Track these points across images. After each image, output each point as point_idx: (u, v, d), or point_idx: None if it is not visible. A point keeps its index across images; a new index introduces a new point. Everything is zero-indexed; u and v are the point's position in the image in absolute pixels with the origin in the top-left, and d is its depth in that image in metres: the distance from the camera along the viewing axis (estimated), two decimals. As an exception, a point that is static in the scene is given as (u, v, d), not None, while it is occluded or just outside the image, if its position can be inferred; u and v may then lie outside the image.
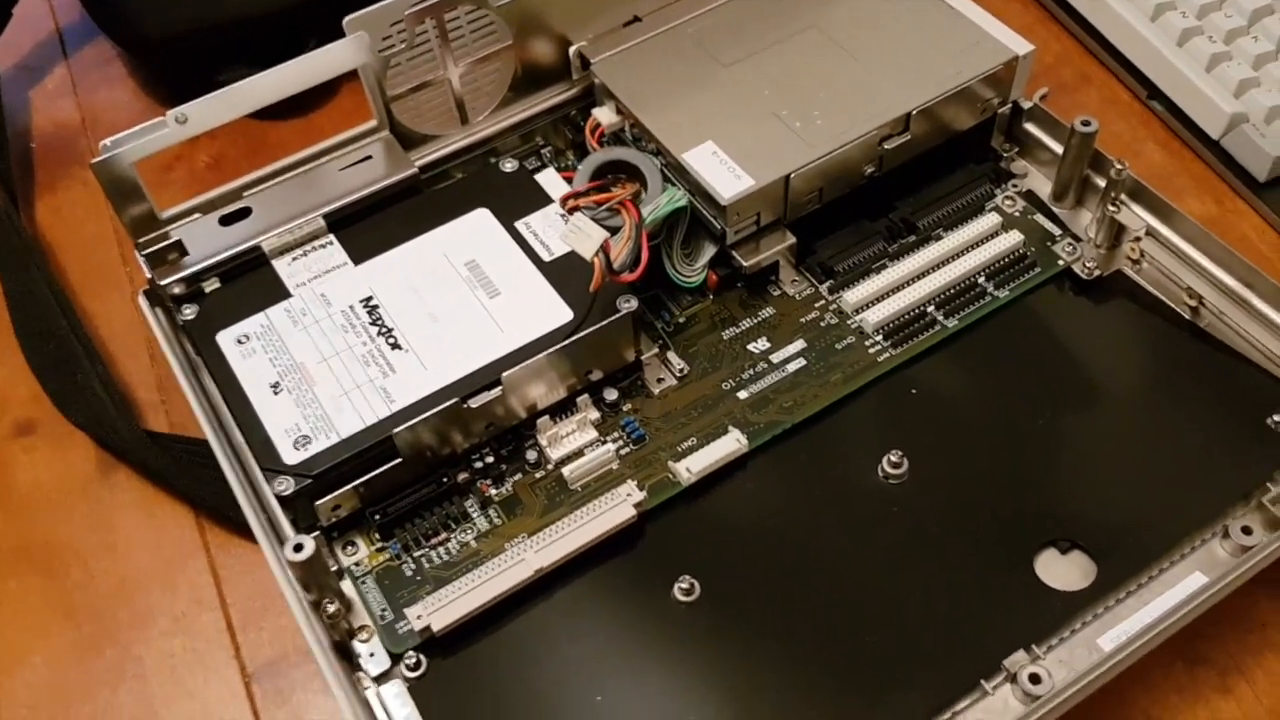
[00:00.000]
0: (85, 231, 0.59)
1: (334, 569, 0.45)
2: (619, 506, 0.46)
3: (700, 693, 0.42)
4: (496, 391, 0.46)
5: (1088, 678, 0.40)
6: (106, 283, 0.57)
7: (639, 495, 0.46)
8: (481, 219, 0.51)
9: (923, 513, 0.46)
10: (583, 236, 0.47)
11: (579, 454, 0.48)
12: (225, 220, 0.51)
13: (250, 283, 0.50)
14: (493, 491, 0.47)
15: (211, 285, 0.50)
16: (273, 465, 0.45)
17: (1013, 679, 0.40)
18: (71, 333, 0.52)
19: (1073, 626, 0.42)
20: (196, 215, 0.51)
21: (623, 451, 0.48)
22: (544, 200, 0.52)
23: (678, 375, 0.50)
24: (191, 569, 0.49)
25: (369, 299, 0.49)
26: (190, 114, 0.48)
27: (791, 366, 0.50)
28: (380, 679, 0.43)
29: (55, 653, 0.47)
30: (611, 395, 0.49)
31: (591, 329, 0.47)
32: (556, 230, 0.51)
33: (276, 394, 0.46)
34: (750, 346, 0.51)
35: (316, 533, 0.45)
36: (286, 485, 0.44)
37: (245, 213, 0.52)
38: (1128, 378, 0.50)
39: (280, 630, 0.47)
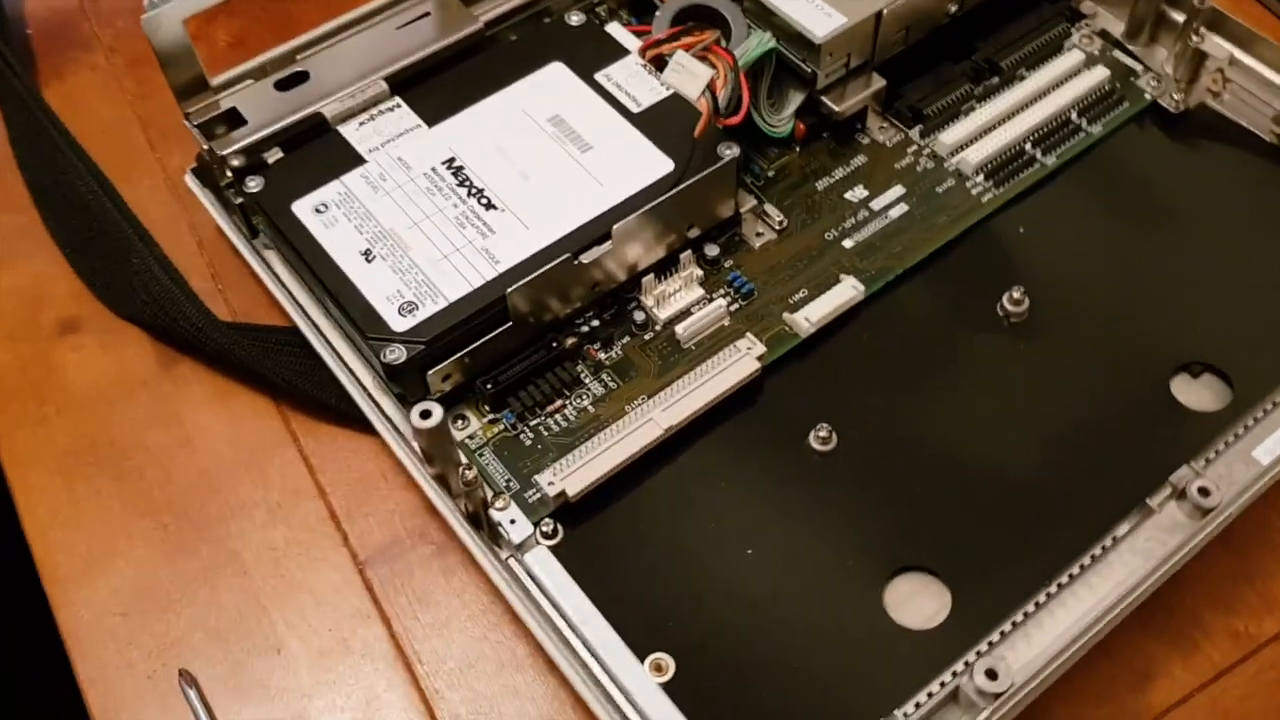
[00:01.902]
0: (102, 119, 0.54)
1: (446, 443, 0.42)
2: (740, 361, 0.43)
3: (853, 539, 0.41)
4: (607, 246, 0.44)
5: (1253, 489, 0.39)
6: (135, 171, 0.52)
7: (759, 348, 0.44)
8: (557, 73, 0.48)
9: (1050, 348, 0.45)
10: (687, 75, 0.44)
11: (687, 312, 0.46)
12: (281, 85, 0.47)
13: (318, 151, 0.46)
14: (602, 356, 0.45)
15: (274, 155, 0.46)
16: (381, 334, 0.41)
17: (1180, 495, 0.40)
18: (122, 218, 0.48)
19: (1220, 445, 0.41)
20: (249, 81, 0.47)
21: (733, 307, 0.46)
22: (619, 51, 0.49)
23: (777, 228, 0.48)
24: (280, 458, 0.45)
25: (451, 160, 0.46)
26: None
27: (894, 213, 0.48)
28: (522, 547, 0.40)
29: (142, 555, 0.43)
30: (712, 251, 0.47)
31: (696, 177, 0.45)
32: (641, 81, 0.48)
33: (370, 262, 0.43)
34: (847, 195, 0.49)
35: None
36: (398, 353, 0.41)
37: (302, 77, 0.48)
38: (1225, 206, 0.49)
39: (388, 514, 0.44)
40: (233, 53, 0.56)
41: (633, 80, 0.48)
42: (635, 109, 0.47)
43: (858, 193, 0.49)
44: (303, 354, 0.45)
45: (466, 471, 0.39)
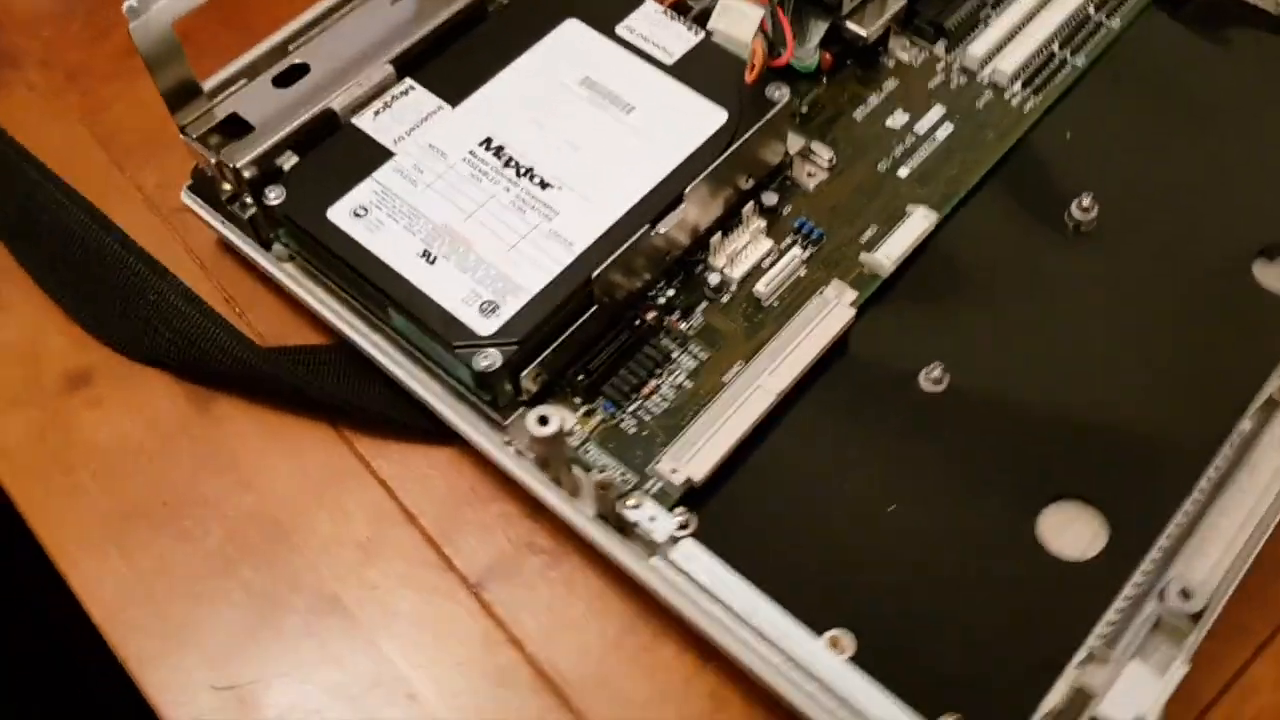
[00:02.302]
0: (53, 142, 0.48)
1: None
2: (834, 310, 0.41)
3: (992, 478, 0.39)
4: (682, 210, 0.41)
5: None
6: (107, 196, 0.46)
7: (850, 293, 0.42)
8: (573, 31, 0.45)
9: (1127, 250, 0.44)
10: (737, 17, 0.41)
11: (760, 268, 0.43)
12: (279, 81, 0.43)
13: (337, 149, 0.42)
14: (684, 326, 0.42)
15: (288, 160, 0.42)
16: (467, 340, 0.38)
17: (1308, 383, 0.39)
18: (124, 249, 0.43)
19: (1321, 327, 0.42)
20: (243, 81, 0.42)
21: (806, 255, 0.44)
22: (633, 1, 0.46)
23: (828, 166, 0.46)
24: (355, 487, 0.41)
25: (489, 141, 0.42)
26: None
27: (940, 134, 0.46)
28: (667, 544, 0.37)
29: (231, 619, 0.39)
30: (771, 200, 0.44)
31: (755, 126, 0.42)
32: (666, 29, 0.45)
33: (432, 263, 0.39)
34: (889, 123, 0.47)
35: (521, 408, 0.39)
36: (492, 359, 0.38)
37: (301, 70, 0.43)
38: (1255, 85, 0.49)
39: (487, 529, 0.40)
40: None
41: (657, 29, 0.45)
42: (668, 60, 0.44)
43: (898, 118, 0.47)
44: (356, 370, 0.42)
45: (598, 474, 0.36)
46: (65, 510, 0.41)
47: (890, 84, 0.48)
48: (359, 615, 0.39)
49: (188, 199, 0.43)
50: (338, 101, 0.42)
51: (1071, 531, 0.38)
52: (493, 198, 0.41)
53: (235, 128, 0.42)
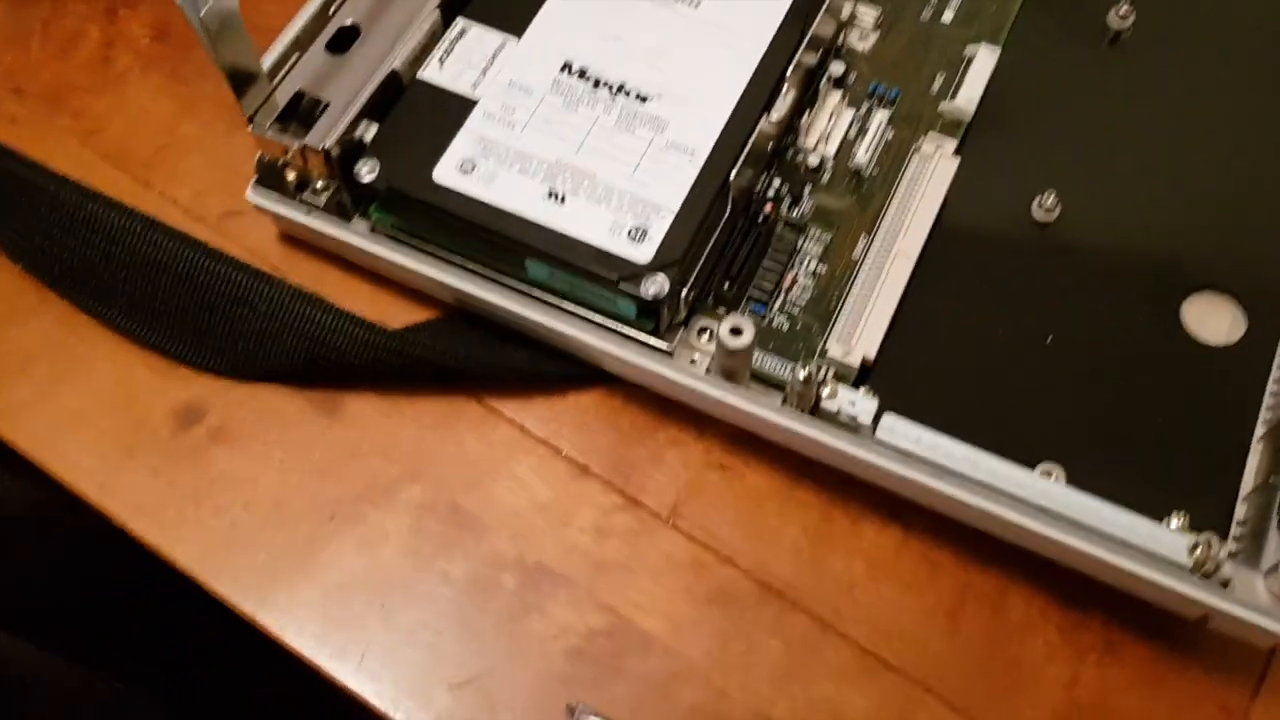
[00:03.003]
0: (58, 171, 0.44)
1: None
2: (938, 163, 0.42)
3: (1133, 286, 0.41)
4: (787, 94, 0.40)
5: None
6: (143, 217, 0.43)
7: (949, 142, 0.42)
8: (609, -64, 0.43)
9: (1173, 52, 0.45)
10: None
11: (850, 138, 0.43)
12: (333, 47, 0.40)
13: (414, 108, 0.40)
14: (797, 213, 0.42)
15: (368, 131, 0.39)
16: (628, 272, 0.37)
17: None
18: (216, 261, 0.39)
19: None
20: (296, 55, 0.39)
21: (889, 117, 0.43)
22: (652, -108, 0.44)
23: (875, 25, 0.45)
24: (519, 451, 0.40)
25: (569, 65, 0.40)
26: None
27: (969, -30, 0.47)
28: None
29: (444, 615, 0.37)
30: (839, 70, 0.44)
31: (820, -4, 0.42)
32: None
33: (562, 203, 0.38)
34: (916, -31, 0.47)
35: (680, 329, 0.39)
36: (659, 284, 0.37)
37: (352, 33, 0.40)
38: None
39: (661, 459, 0.39)
40: (161, 51, 0.46)
41: (693, -82, 0.43)
42: (715, -53, 0.43)
43: (923, -38, 0.47)
44: (484, 333, 0.40)
45: (799, 371, 0.36)
46: (230, 555, 0.38)
47: (901, -73, 0.48)
48: (572, 575, 0.38)
49: (256, 196, 0.40)
50: (398, 60, 0.40)
51: (1212, 320, 0.40)
52: (595, 122, 0.39)
53: (304, 108, 0.39)
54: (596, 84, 0.40)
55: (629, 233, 0.37)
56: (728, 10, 0.41)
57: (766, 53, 0.40)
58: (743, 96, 0.40)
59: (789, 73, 0.40)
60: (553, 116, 0.39)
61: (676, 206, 0.38)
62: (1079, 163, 0.43)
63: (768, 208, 0.41)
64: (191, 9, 0.34)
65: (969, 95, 0.43)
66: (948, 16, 0.46)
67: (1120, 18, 0.46)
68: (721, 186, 0.38)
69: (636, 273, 0.37)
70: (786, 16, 0.41)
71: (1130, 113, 0.44)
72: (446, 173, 0.38)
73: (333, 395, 0.41)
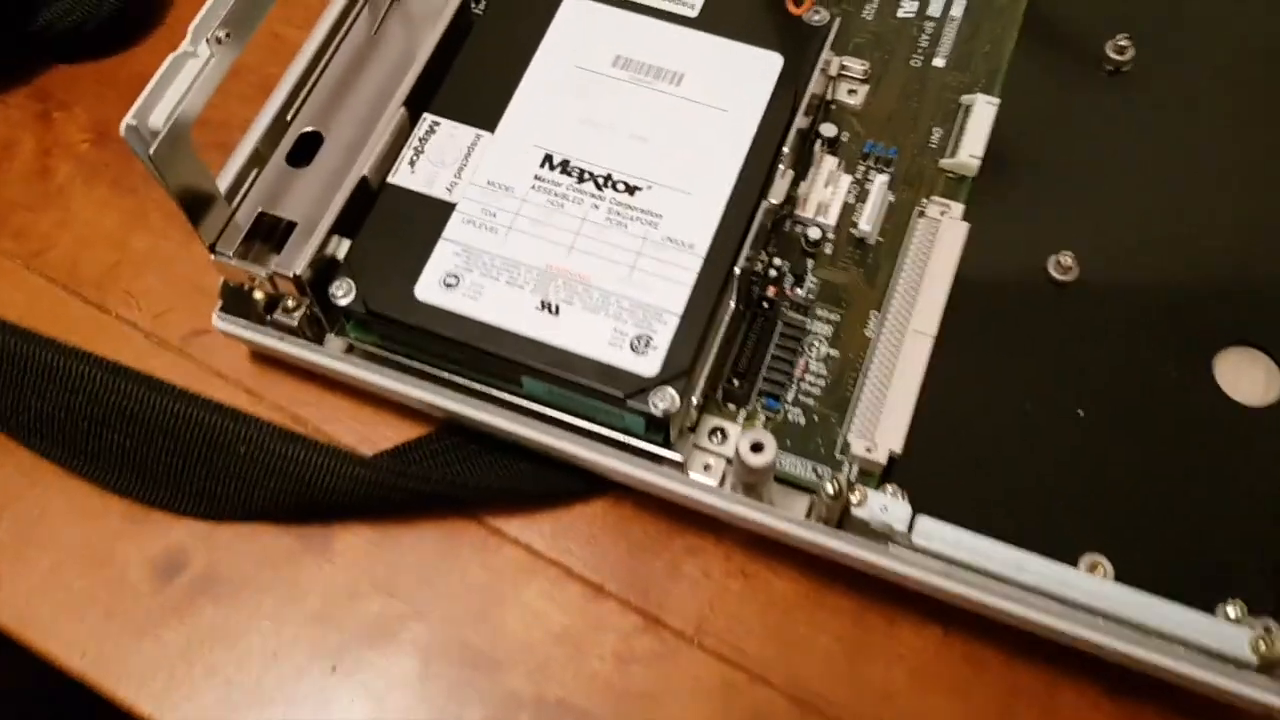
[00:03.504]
0: (14, 304, 0.40)
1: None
2: (946, 228, 0.39)
3: (1163, 344, 0.39)
4: (785, 173, 0.38)
5: None
6: (108, 348, 0.39)
7: (955, 205, 0.40)
8: (578, 9, 0.40)
9: (1173, 88, 0.43)
10: (778, -49, 0.37)
11: (851, 205, 0.41)
12: (294, 159, 0.37)
13: (387, 217, 0.37)
14: (800, 292, 0.39)
15: (339, 247, 0.36)
16: (635, 388, 0.34)
17: None
18: (186, 404, 0.36)
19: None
20: (255, 172, 0.36)
21: (888, 179, 0.41)
22: (621, -45, 0.41)
23: (864, 77, 0.43)
24: (527, 575, 0.37)
25: (549, 158, 0.37)
26: (232, 27, 0.33)
27: (955, 11, 0.44)
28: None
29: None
30: (830, 131, 0.41)
31: (815, 60, 0.39)
32: (673, -19, 0.40)
33: (556, 313, 0.35)
34: (900, 14, 0.44)
35: (691, 445, 0.36)
36: (669, 400, 0.34)
37: (314, 140, 0.37)
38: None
39: (680, 571, 0.37)
40: (101, 156, 0.43)
41: (664, -17, 0.40)
42: (692, 13, 0.40)
43: (909, 7, 0.44)
44: (478, 451, 0.37)
45: (828, 485, 0.34)
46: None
47: (885, -28, 0.45)
48: (596, 711, 0.36)
49: (223, 323, 0.37)
50: (367, 165, 0.37)
51: (1247, 378, 0.38)
52: (584, 220, 0.36)
53: (267, 229, 0.36)
54: (581, 177, 0.37)
55: (631, 343, 0.35)
56: (712, 85, 0.39)
57: (759, 129, 0.38)
58: (739, 180, 0.37)
59: (785, 150, 0.37)
60: (538, 216, 0.37)
61: (680, 309, 0.35)
62: (1092, 213, 0.41)
63: (770, 290, 0.39)
64: (140, 146, 0.31)
65: (970, 151, 0.41)
66: (939, 62, 0.43)
67: (1118, 51, 0.43)
68: (725, 282, 0.36)
69: (643, 387, 0.34)
70: (776, 87, 0.39)
71: (1139, 152, 0.42)
72: (429, 289, 0.35)
73: (324, 530, 0.38)
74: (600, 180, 0.37)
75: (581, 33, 0.40)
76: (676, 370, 0.34)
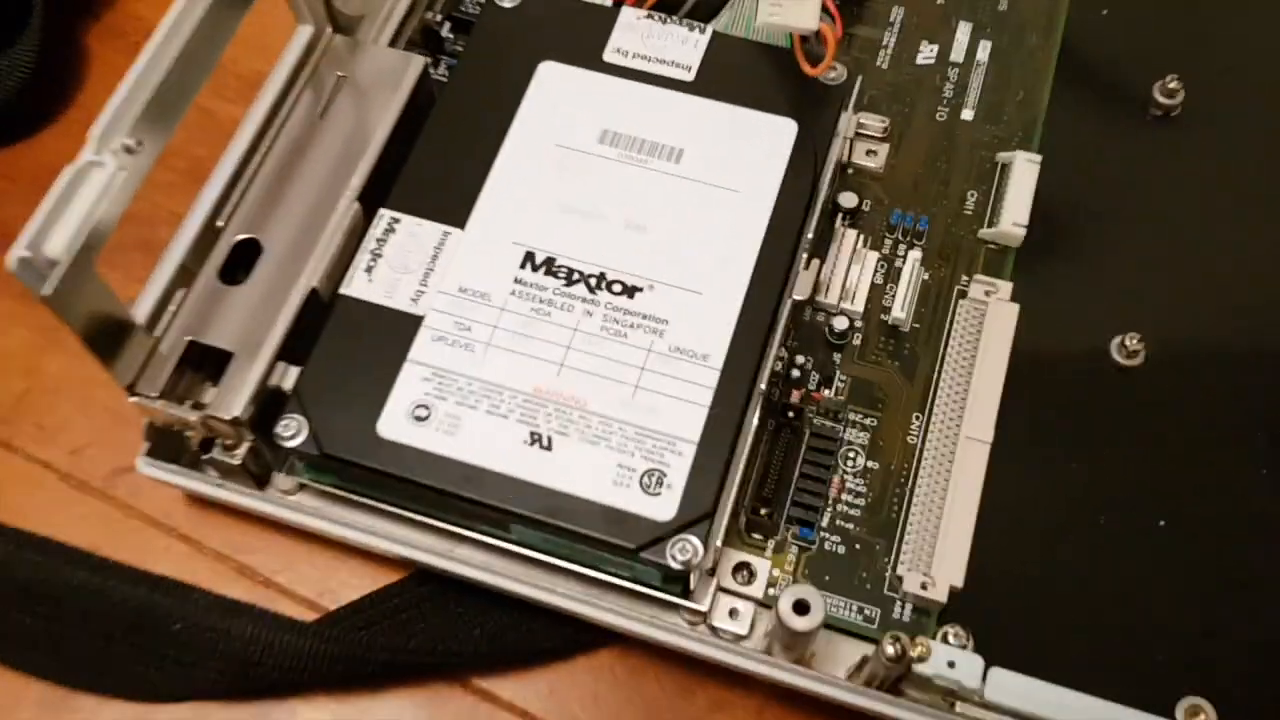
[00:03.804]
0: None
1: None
2: (994, 313, 0.34)
3: (1241, 437, 0.34)
4: (809, 264, 0.32)
5: None
6: (14, 499, 0.33)
7: (1003, 285, 0.35)
8: (553, 76, 0.34)
9: (1228, 125, 0.38)
10: (793, 5, 0.32)
11: (880, 288, 0.35)
12: (228, 275, 0.31)
13: (342, 338, 0.31)
14: (829, 394, 0.34)
15: (286, 376, 0.31)
16: (650, 537, 0.28)
17: None
18: (98, 575, 0.30)
19: None
20: (181, 294, 0.30)
21: (920, 254, 0.36)
22: (605, 16, 0.35)
23: (882, 135, 0.37)
24: (534, 744, 0.32)
25: (530, 256, 0.32)
26: (144, 132, 0.27)
27: (981, 56, 0.39)
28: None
29: None
30: (850, 201, 0.36)
31: (834, 124, 0.34)
32: (664, 38, 0.35)
33: (549, 448, 0.29)
34: (919, 61, 0.39)
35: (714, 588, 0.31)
36: (691, 550, 0.28)
37: (252, 249, 0.31)
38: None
39: (712, 729, 0.32)
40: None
41: (652, 41, 0.35)
42: (688, 75, 0.34)
43: (927, 52, 0.39)
44: (452, 603, 0.32)
45: (889, 646, 0.28)
46: None
47: (897, 13, 0.40)
48: None
49: (148, 468, 0.31)
50: (314, 274, 0.31)
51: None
52: (576, 331, 0.31)
53: (198, 358, 0.30)
54: (570, 278, 0.31)
55: (641, 481, 0.29)
56: (717, 161, 0.33)
57: (775, 209, 0.32)
58: (755, 272, 0.31)
59: (808, 234, 0.32)
60: (521, 329, 0.31)
61: (696, 436, 0.29)
62: (1156, 283, 0.36)
63: (793, 394, 0.33)
64: (35, 281, 0.25)
65: (1014, 218, 0.35)
66: (967, 114, 0.38)
67: (1167, 94, 0.38)
68: (747, 399, 0.30)
69: (658, 536, 0.28)
70: (792, 157, 0.33)
71: (1200, 206, 0.37)
72: (395, 424, 0.30)
73: (280, 706, 0.32)
74: (592, 281, 0.31)
75: (561, 104, 0.34)
76: (697, 513, 0.29)
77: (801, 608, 0.28)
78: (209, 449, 0.31)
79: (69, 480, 0.34)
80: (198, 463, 0.32)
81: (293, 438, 0.29)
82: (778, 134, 0.33)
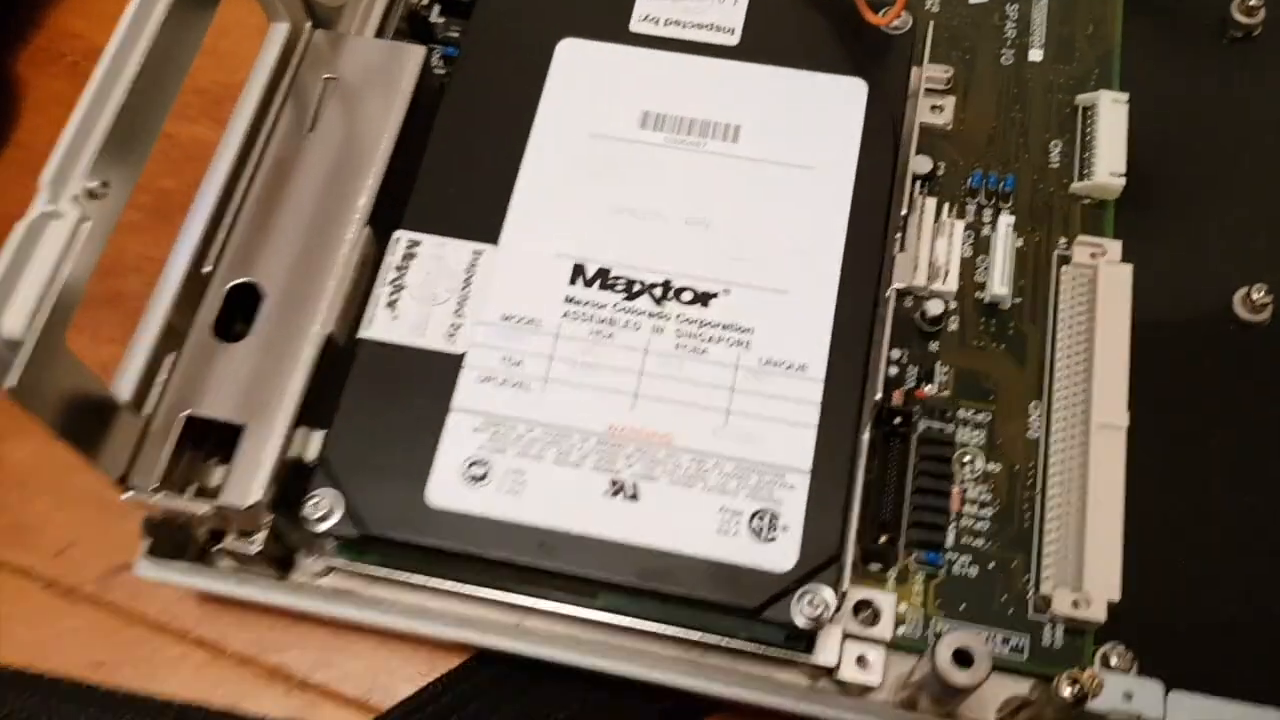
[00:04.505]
0: None
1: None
2: (1106, 277, 0.30)
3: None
4: (901, 241, 0.28)
5: None
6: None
7: (1111, 244, 0.30)
8: (577, 55, 0.30)
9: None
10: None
11: (971, 263, 0.31)
12: (223, 331, 0.26)
13: (369, 390, 0.26)
14: (931, 389, 0.29)
15: (308, 446, 0.25)
16: (768, 592, 0.24)
17: None
18: (90, 708, 0.25)
19: None
20: (171, 356, 0.25)
21: (1010, 218, 0.31)
22: (622, -24, 0.30)
23: (947, 85, 0.33)
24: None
25: (579, 269, 0.27)
26: (108, 170, 0.21)
27: (1044, -12, 0.34)
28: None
29: None
30: (923, 165, 0.31)
31: (903, 80, 0.29)
32: (697, 2, 0.30)
33: (636, 498, 0.25)
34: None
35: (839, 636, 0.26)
36: (821, 603, 0.24)
37: (250, 295, 0.26)
38: None
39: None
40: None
41: (685, 3, 0.30)
42: (731, 40, 0.30)
43: (991, -14, 0.35)
44: (526, 684, 0.27)
45: (1065, 685, 0.24)
46: None
47: (957, -52, 0.35)
48: None
49: (150, 571, 0.26)
50: (327, 318, 0.26)
51: None
52: (647, 352, 0.26)
53: (198, 434, 0.25)
54: (630, 290, 0.27)
55: (751, 524, 0.24)
56: (780, 135, 0.28)
57: (857, 184, 0.28)
58: (846, 261, 0.27)
59: (901, 210, 0.27)
60: (582, 356, 0.26)
61: (808, 463, 0.25)
62: (1273, 224, 0.31)
63: (894, 397, 0.29)
64: (24, 388, 0.20)
65: (1111, 168, 0.31)
66: (1035, 55, 0.34)
67: (1247, 13, 0.34)
68: (859, 410, 0.25)
69: (781, 590, 0.24)
70: (866, 121, 0.28)
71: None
72: (447, 489, 0.25)
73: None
74: (658, 291, 0.26)
75: (590, 86, 0.29)
76: (822, 556, 0.24)
77: (964, 659, 0.23)
78: (220, 538, 0.26)
79: (54, 588, 0.29)
80: (207, 554, 0.27)
81: (324, 519, 0.24)
82: (846, 96, 0.29)
